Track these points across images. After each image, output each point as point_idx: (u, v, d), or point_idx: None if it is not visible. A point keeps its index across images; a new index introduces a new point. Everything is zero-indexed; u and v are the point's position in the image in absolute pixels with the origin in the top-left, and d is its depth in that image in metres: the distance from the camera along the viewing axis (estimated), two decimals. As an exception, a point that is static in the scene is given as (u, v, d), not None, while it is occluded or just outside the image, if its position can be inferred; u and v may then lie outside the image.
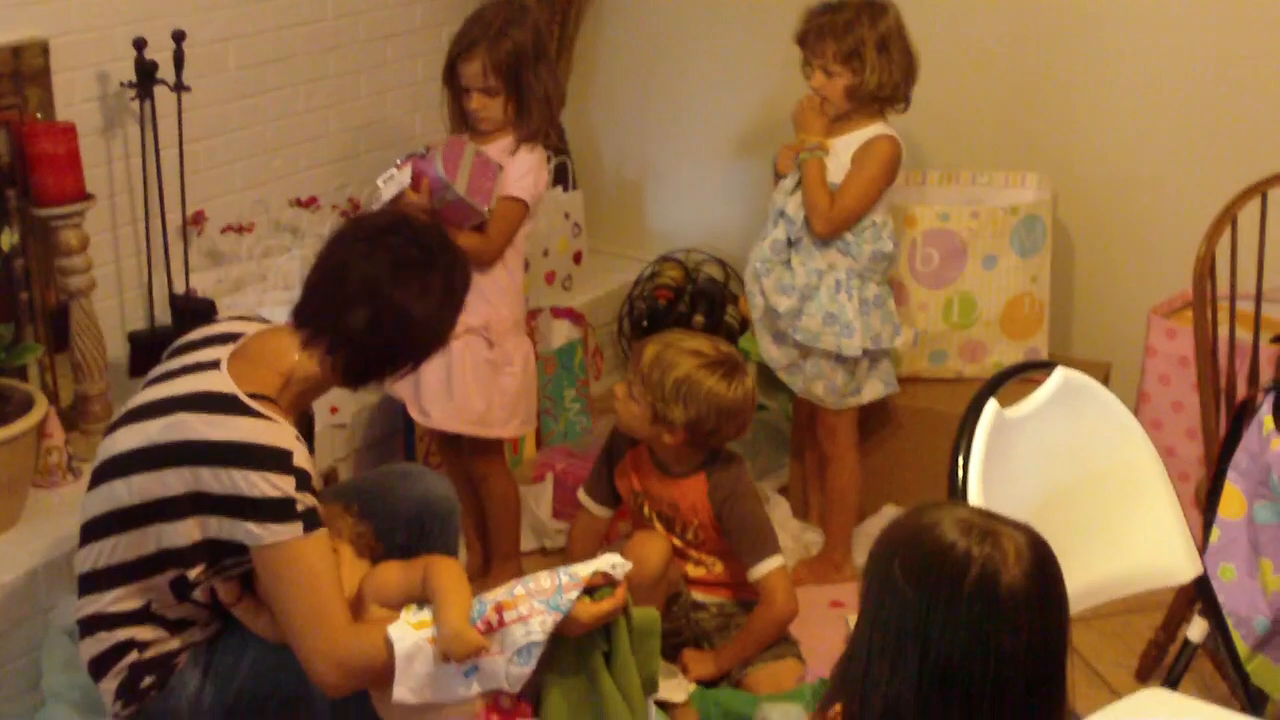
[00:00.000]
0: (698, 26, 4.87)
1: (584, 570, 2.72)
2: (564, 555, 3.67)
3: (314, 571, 2.66)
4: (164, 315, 3.93)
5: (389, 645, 2.62)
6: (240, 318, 2.98)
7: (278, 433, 2.67)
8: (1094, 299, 4.40)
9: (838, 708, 1.84)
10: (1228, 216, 3.31)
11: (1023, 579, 1.75)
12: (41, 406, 3.45)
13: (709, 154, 4.97)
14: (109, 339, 3.79)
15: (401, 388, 3.61)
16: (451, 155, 3.53)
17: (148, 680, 2.82)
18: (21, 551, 3.35)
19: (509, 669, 2.65)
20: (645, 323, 4.90)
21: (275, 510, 2.62)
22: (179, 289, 3.94)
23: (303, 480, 2.66)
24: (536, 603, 2.66)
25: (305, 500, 2.65)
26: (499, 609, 2.65)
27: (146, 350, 3.72)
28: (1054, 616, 1.79)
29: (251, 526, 2.62)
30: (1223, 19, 4.06)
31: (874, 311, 3.75)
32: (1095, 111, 4.26)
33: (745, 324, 4.74)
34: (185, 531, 2.69)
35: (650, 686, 2.83)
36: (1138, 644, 3.51)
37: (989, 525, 1.80)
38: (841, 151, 3.72)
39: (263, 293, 3.97)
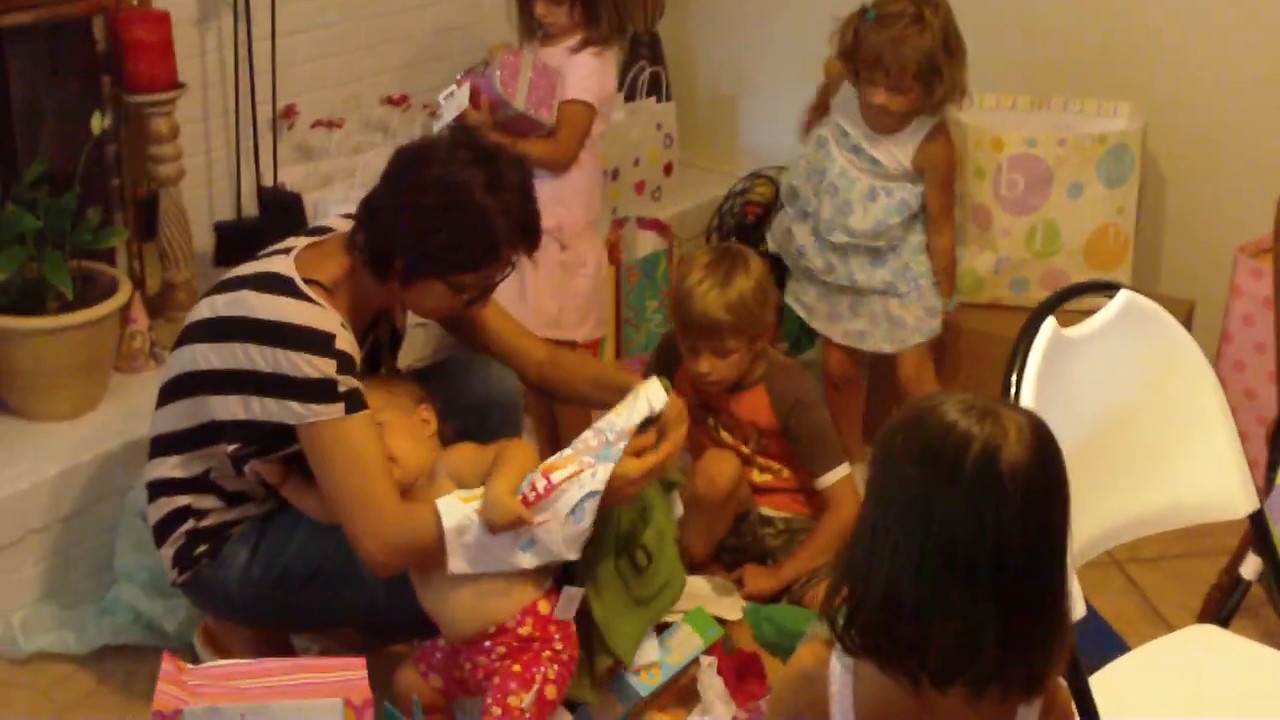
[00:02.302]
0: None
1: (627, 422, 2.76)
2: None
3: (358, 451, 2.73)
4: (251, 207, 3.99)
5: (437, 521, 2.68)
6: (349, 215, 3.02)
7: (323, 316, 2.75)
8: (1182, 234, 4.33)
9: (844, 593, 1.85)
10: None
11: (1024, 457, 1.75)
12: (126, 291, 3.53)
13: (802, 72, 4.90)
14: (196, 229, 3.86)
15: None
16: (509, 69, 3.54)
17: (202, 548, 2.93)
18: (101, 433, 3.44)
19: (565, 532, 2.70)
20: (733, 237, 4.88)
21: (317, 391, 2.70)
22: (267, 182, 3.99)
23: (345, 363, 2.74)
24: (585, 458, 2.71)
25: (347, 382, 2.73)
26: (546, 473, 2.69)
27: (232, 240, 3.78)
28: (1054, 496, 1.79)
29: (295, 405, 2.71)
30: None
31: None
32: (1191, 45, 4.17)
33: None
34: (232, 406, 2.79)
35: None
36: (1202, 587, 3.48)
37: (990, 406, 1.80)
38: (898, 148, 3.70)
39: (350, 189, 3.99)
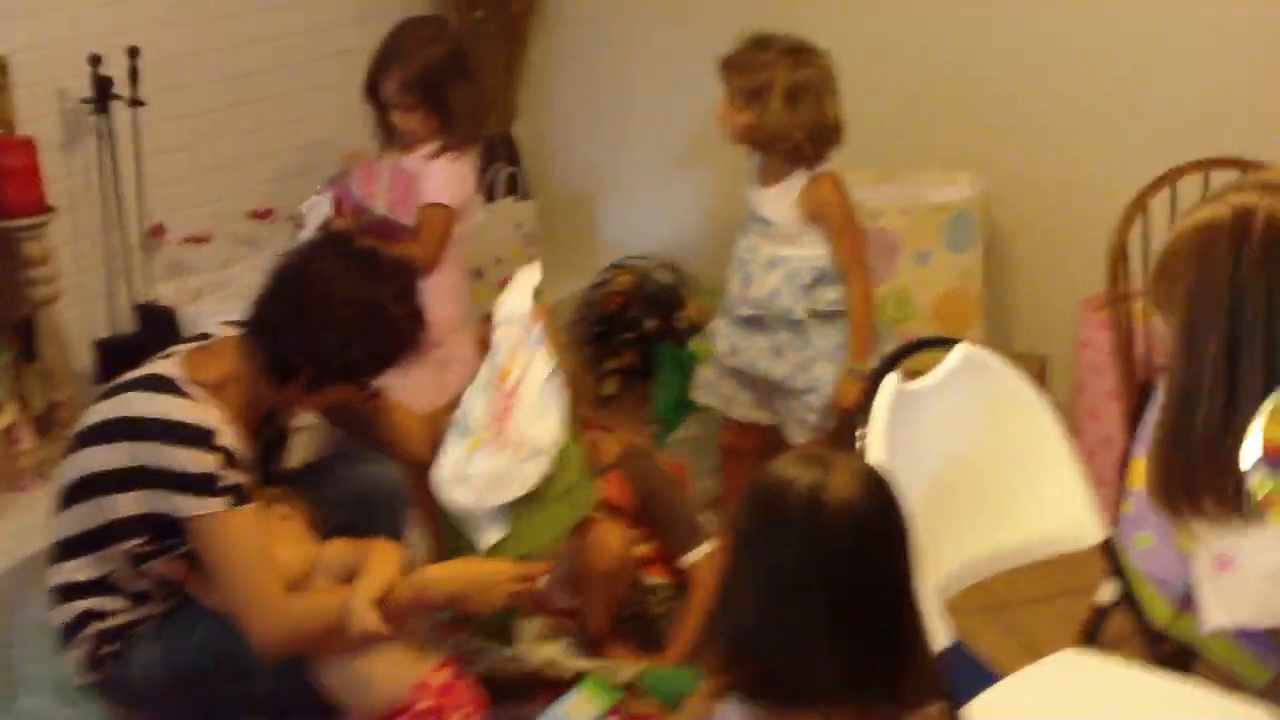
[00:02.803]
0: (644, 40, 5.01)
1: (524, 304, 3.24)
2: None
3: (242, 544, 2.84)
4: (127, 324, 4.07)
5: (317, 612, 2.81)
6: (233, 323, 3.12)
7: (202, 413, 2.86)
8: (1030, 293, 4.54)
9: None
10: (1138, 207, 3.46)
11: (852, 493, 1.90)
12: (10, 412, 3.61)
13: (658, 163, 5.11)
14: (75, 347, 3.94)
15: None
16: (368, 176, 3.68)
17: (107, 649, 2.99)
18: (-8, 552, 3.47)
19: (545, 424, 3.11)
20: (599, 328, 5.02)
21: (198, 485, 2.81)
22: (142, 298, 4.06)
23: (227, 458, 2.84)
24: (521, 352, 3.13)
25: (230, 476, 2.84)
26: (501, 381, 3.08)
27: (112, 356, 3.85)
28: (885, 531, 1.94)
29: (177, 499, 2.82)
30: (1136, 22, 4.22)
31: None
32: (1026, 113, 4.40)
33: (695, 327, 4.86)
34: (128, 503, 2.88)
35: None
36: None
37: (822, 455, 1.96)
38: (780, 203, 3.74)
39: (222, 301, 4.08)
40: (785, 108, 3.61)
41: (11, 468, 3.69)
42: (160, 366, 2.96)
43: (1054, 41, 4.35)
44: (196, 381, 2.91)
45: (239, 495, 2.85)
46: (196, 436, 2.83)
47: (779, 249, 3.76)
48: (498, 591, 2.94)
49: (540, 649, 3.48)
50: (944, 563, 2.38)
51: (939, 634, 2.31)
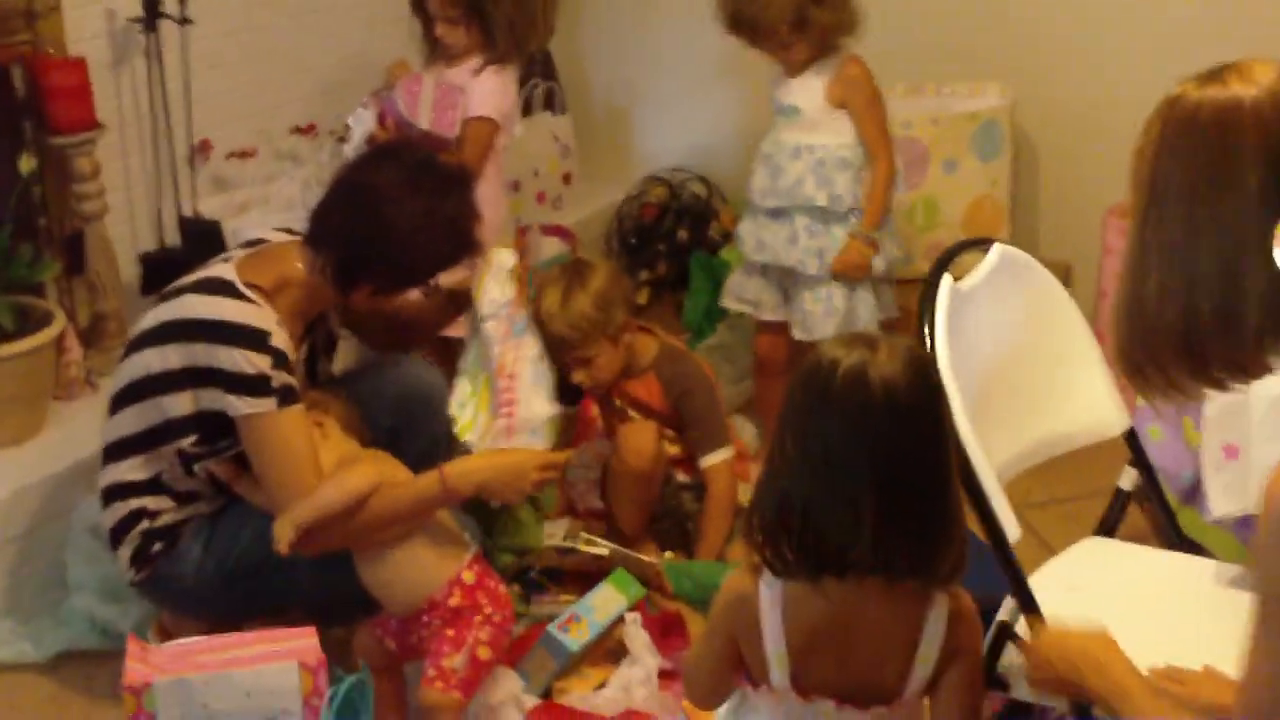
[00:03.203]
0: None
1: (504, 294, 3.48)
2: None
3: (287, 442, 2.95)
4: (173, 237, 4.18)
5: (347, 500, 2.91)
6: (284, 229, 3.26)
7: (259, 315, 2.97)
8: (1056, 201, 4.61)
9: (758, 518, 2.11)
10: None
11: (895, 371, 2.01)
12: (60, 322, 3.71)
13: (689, 76, 5.17)
14: (122, 261, 4.04)
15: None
16: (411, 90, 3.77)
17: (157, 546, 3.12)
18: (44, 458, 3.62)
19: (540, 400, 3.42)
20: (633, 239, 5.13)
21: (251, 385, 2.92)
22: (187, 212, 4.18)
23: (279, 359, 2.95)
24: (509, 342, 3.38)
25: (280, 377, 2.94)
26: (500, 375, 3.40)
27: (157, 270, 3.95)
28: (925, 406, 2.04)
29: (231, 398, 2.93)
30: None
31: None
32: (1054, 23, 4.46)
33: (728, 237, 4.96)
34: (182, 403, 3.00)
35: None
36: (1092, 524, 3.72)
37: (867, 336, 2.06)
38: (808, 89, 3.88)
39: (265, 215, 4.18)
40: (823, 8, 3.74)
41: (60, 377, 3.80)
42: (217, 270, 3.07)
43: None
44: (251, 284, 3.02)
45: (289, 395, 2.97)
46: (251, 337, 2.94)
47: (805, 137, 3.90)
48: (525, 480, 3.03)
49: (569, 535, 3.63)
50: (994, 455, 2.46)
51: (1011, 525, 2.41)
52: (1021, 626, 2.43)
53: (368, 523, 2.94)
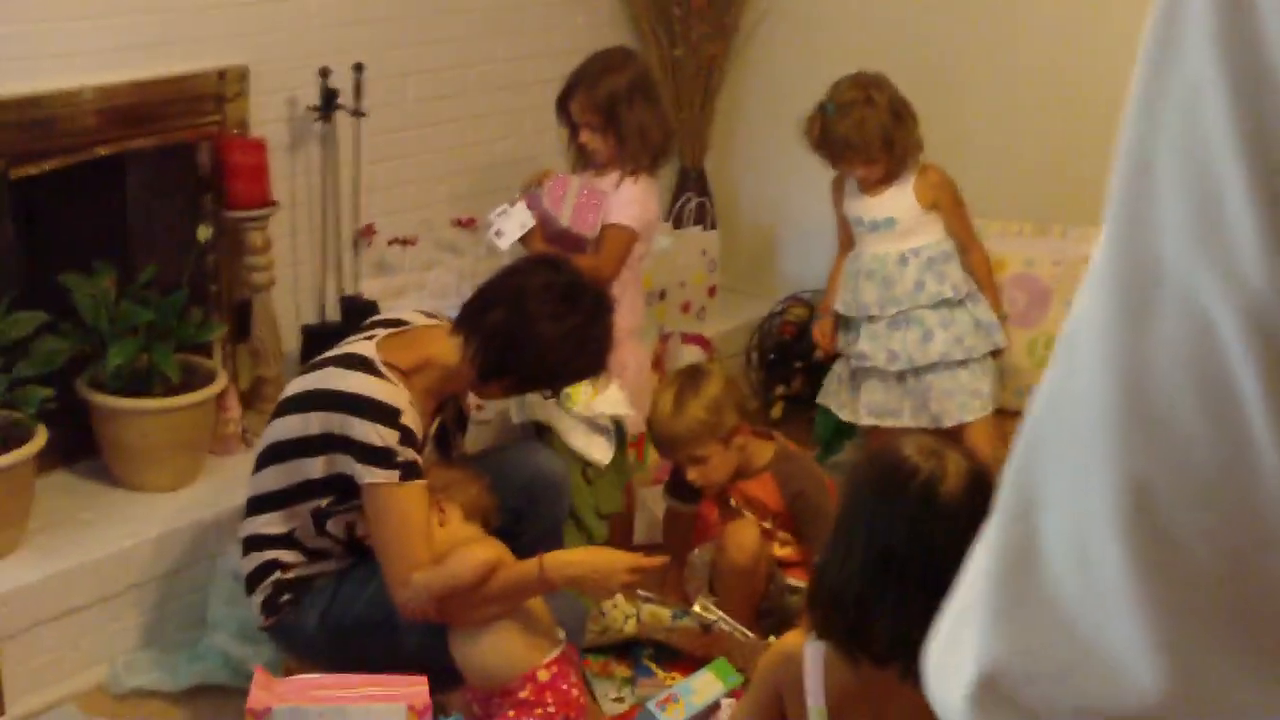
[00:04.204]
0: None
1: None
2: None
3: (405, 515, 3.18)
4: (334, 313, 4.44)
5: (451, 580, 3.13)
6: (423, 312, 3.54)
7: (394, 393, 3.20)
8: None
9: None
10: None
11: (959, 490, 2.17)
12: (222, 380, 3.97)
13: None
14: (284, 331, 4.31)
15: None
16: (558, 190, 4.01)
17: (286, 597, 3.35)
18: (197, 505, 3.87)
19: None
20: (772, 355, 5.31)
21: (378, 456, 3.15)
22: (348, 291, 4.44)
23: (407, 436, 3.17)
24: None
25: (406, 454, 3.16)
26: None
27: (316, 342, 4.18)
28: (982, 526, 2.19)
29: (358, 466, 3.15)
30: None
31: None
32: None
33: (862, 359, 5.12)
34: (319, 466, 3.24)
35: None
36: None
37: (938, 447, 2.23)
38: (899, 201, 4.21)
39: (420, 300, 4.42)
40: (902, 127, 4.12)
41: (218, 432, 4.06)
42: (359, 347, 3.31)
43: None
44: (389, 364, 3.26)
45: (412, 471, 3.19)
46: (384, 413, 3.17)
47: (904, 244, 4.21)
48: (615, 580, 3.22)
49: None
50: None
51: None
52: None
53: (476, 599, 3.16)
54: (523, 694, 3.16)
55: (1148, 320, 0.70)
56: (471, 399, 3.70)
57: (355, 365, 3.26)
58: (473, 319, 3.36)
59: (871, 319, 4.25)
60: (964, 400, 4.21)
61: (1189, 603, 0.70)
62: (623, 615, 3.79)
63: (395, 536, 3.19)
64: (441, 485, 3.31)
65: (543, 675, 3.18)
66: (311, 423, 3.25)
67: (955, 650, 0.82)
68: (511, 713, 3.14)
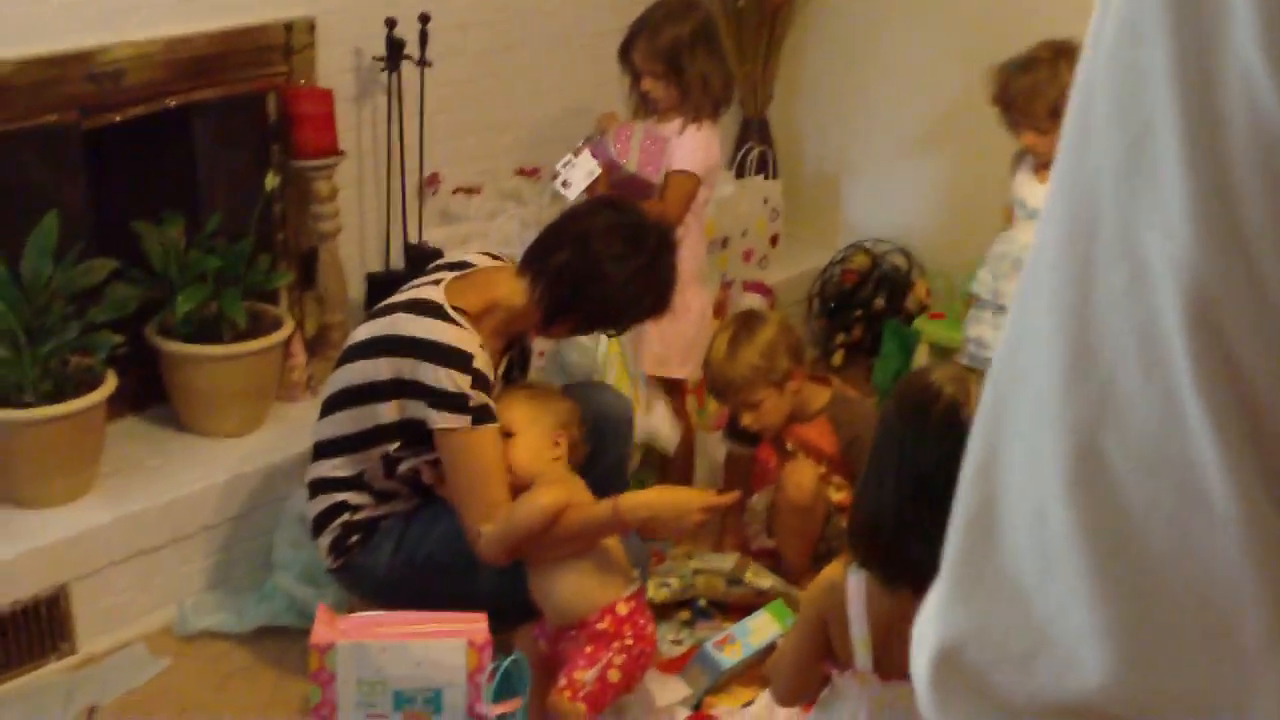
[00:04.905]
0: (890, 36, 5.29)
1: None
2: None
3: (479, 457, 3.23)
4: (398, 261, 4.48)
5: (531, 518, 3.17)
6: (487, 253, 3.59)
7: (465, 338, 3.24)
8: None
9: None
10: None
11: None
12: (289, 327, 4.03)
13: (898, 152, 5.38)
14: (350, 279, 4.36)
15: (592, 333, 4.10)
16: (623, 136, 4.04)
17: (354, 538, 3.41)
18: (264, 449, 3.94)
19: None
20: (832, 303, 5.34)
21: (451, 401, 3.20)
22: (413, 240, 4.49)
23: (479, 380, 3.22)
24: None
25: (479, 398, 3.21)
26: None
27: (382, 289, 4.21)
28: None
29: (431, 412, 3.21)
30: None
31: None
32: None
33: (923, 308, 5.14)
34: (390, 411, 3.28)
35: None
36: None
37: (962, 373, 2.27)
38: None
39: (485, 248, 4.47)
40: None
41: (285, 379, 4.13)
42: (427, 292, 3.35)
43: None
44: (458, 308, 3.31)
45: (485, 415, 3.24)
46: (456, 358, 3.22)
47: None
48: (688, 518, 3.26)
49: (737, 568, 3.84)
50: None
51: None
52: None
53: (550, 539, 3.20)
54: (601, 626, 3.20)
55: (1090, 267, 0.67)
56: (536, 342, 3.75)
57: (425, 310, 3.30)
58: (538, 260, 3.41)
59: (1002, 309, 4.04)
60: None
61: (1139, 581, 0.67)
62: (678, 581, 3.83)
63: (471, 481, 3.24)
64: (526, 420, 3.36)
65: (621, 609, 3.23)
66: (381, 368, 3.30)
67: (925, 618, 0.80)
68: (589, 648, 3.18)
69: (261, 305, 4.07)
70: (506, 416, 3.32)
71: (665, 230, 3.52)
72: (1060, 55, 3.80)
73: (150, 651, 3.62)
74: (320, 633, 2.87)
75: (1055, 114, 3.76)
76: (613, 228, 3.39)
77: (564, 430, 3.40)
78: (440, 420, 3.21)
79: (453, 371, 3.21)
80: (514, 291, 3.39)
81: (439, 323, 3.27)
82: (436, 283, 3.39)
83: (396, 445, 3.33)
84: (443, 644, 2.88)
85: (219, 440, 3.95)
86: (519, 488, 3.28)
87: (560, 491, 3.22)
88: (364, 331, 3.41)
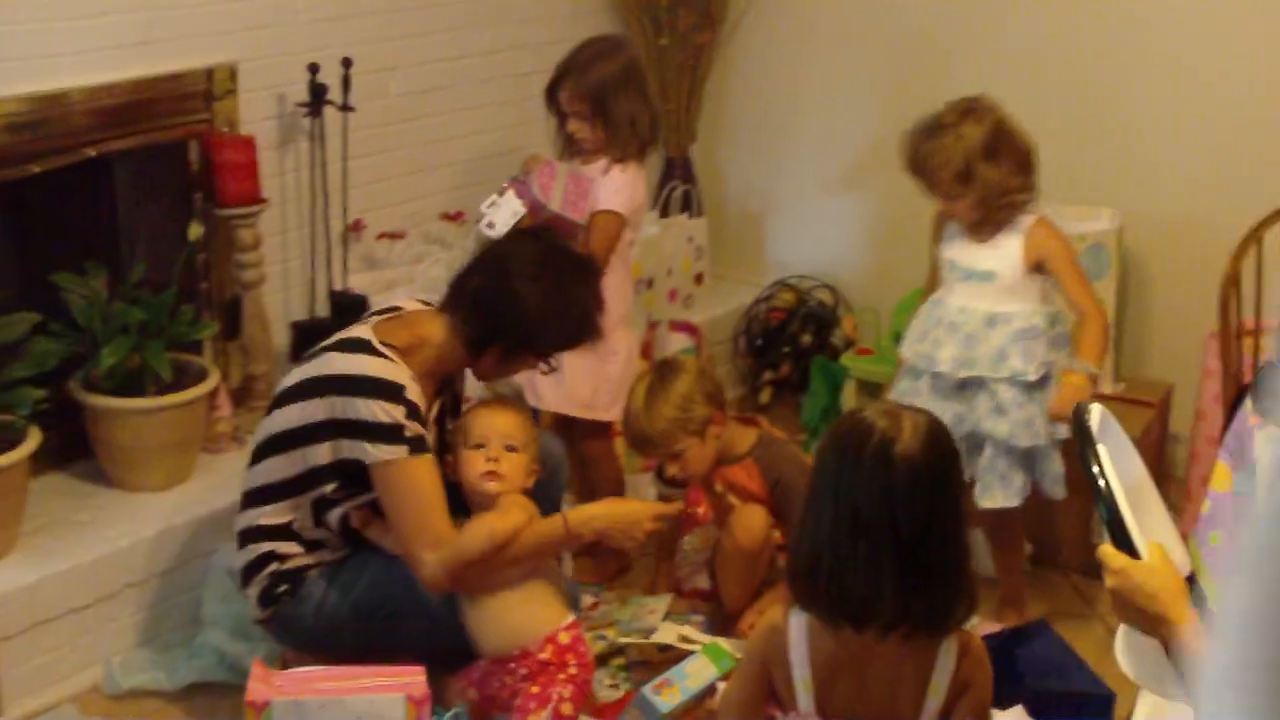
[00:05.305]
0: (812, 74, 5.32)
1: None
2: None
3: (418, 486, 3.20)
4: (324, 309, 4.45)
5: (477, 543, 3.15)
6: (417, 300, 3.58)
7: (395, 370, 3.24)
8: (1160, 323, 4.76)
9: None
10: (1251, 240, 3.68)
11: (915, 449, 2.23)
12: (214, 378, 3.99)
13: (822, 188, 5.40)
14: (275, 328, 4.32)
15: (521, 375, 4.05)
16: (546, 177, 4.03)
17: (283, 588, 3.37)
18: (191, 503, 3.88)
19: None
20: (759, 341, 5.34)
21: (385, 433, 3.18)
22: (338, 286, 4.46)
23: (412, 411, 3.21)
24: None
25: (413, 428, 3.20)
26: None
27: (307, 338, 4.19)
28: (940, 481, 2.25)
29: (367, 446, 3.18)
30: (1258, 71, 4.47)
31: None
32: (1160, 153, 4.65)
33: (850, 343, 5.16)
34: (324, 453, 3.26)
35: None
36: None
37: (895, 409, 2.28)
38: (1004, 254, 3.73)
39: (410, 294, 4.43)
40: (993, 166, 3.64)
41: (211, 431, 4.08)
42: (355, 331, 3.36)
43: (1185, 88, 4.60)
44: (387, 344, 3.30)
45: (420, 445, 3.22)
46: (387, 390, 3.21)
47: (998, 305, 3.74)
48: (639, 529, 3.31)
49: (674, 628, 3.82)
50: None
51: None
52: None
53: (497, 563, 3.20)
54: (543, 656, 3.18)
55: None
56: (468, 387, 3.72)
57: (354, 348, 3.30)
58: (457, 292, 3.43)
59: (938, 375, 3.81)
60: (997, 486, 3.79)
61: None
62: (614, 633, 3.82)
63: (411, 511, 3.22)
64: (528, 423, 3.40)
65: (564, 638, 3.21)
66: (314, 409, 3.27)
67: None
68: (536, 687, 3.16)
69: (185, 356, 4.01)
70: (506, 428, 3.33)
71: (584, 257, 3.53)
72: (965, 117, 3.66)
73: (80, 712, 3.54)
74: (256, 690, 2.82)
75: (963, 179, 3.63)
76: (527, 253, 3.42)
77: (534, 461, 3.40)
78: (377, 453, 3.19)
79: (385, 403, 3.19)
80: (438, 328, 3.40)
81: (368, 357, 3.26)
82: (364, 323, 3.40)
83: (331, 488, 3.30)
84: (381, 699, 2.84)
85: (145, 495, 3.89)
86: (487, 504, 3.28)
87: (520, 515, 3.22)
88: (294, 376, 3.39)
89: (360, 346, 3.29)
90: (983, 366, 3.72)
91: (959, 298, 3.81)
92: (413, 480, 3.21)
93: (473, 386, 3.78)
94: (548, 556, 3.28)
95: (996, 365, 3.71)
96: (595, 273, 3.52)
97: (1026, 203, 3.73)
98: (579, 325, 3.45)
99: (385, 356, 3.26)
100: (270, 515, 3.37)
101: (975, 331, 3.75)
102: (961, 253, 3.80)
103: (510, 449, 3.29)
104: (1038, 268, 3.73)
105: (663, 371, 3.86)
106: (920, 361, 3.83)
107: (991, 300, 3.76)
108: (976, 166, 3.61)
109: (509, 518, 3.21)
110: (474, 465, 3.28)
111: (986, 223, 3.73)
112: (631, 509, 3.38)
